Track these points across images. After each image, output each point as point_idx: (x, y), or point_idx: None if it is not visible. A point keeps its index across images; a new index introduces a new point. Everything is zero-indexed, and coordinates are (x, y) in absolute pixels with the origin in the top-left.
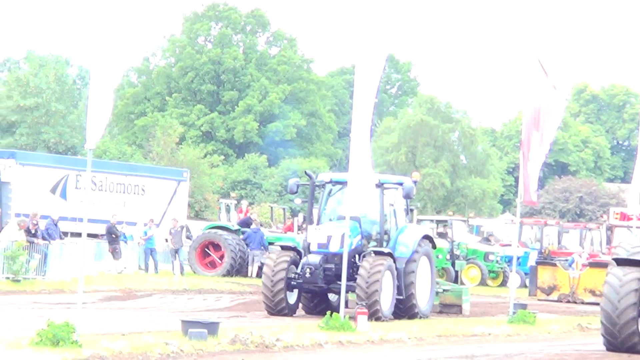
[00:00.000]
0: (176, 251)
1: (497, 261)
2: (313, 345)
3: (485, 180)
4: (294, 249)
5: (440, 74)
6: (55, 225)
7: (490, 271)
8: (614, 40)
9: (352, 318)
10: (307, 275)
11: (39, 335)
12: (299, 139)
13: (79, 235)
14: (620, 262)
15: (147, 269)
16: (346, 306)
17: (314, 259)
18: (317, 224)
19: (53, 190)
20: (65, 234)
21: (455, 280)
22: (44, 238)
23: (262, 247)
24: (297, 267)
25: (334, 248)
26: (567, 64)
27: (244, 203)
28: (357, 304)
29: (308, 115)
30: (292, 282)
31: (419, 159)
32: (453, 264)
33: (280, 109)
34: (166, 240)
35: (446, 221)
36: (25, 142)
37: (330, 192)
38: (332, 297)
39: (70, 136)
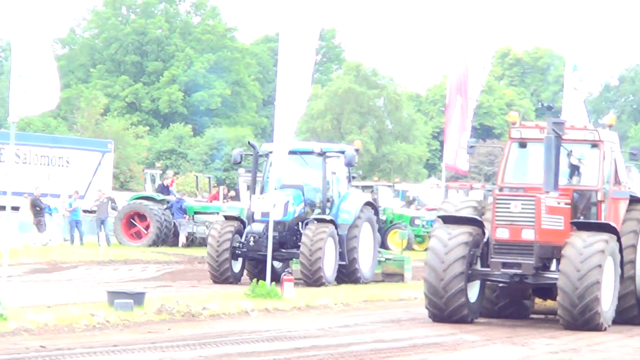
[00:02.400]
0: (102, 222)
1: (423, 225)
2: (239, 313)
3: (411, 145)
4: (237, 218)
5: (364, 40)
6: None
7: (416, 236)
8: (536, 3)
9: (279, 285)
10: (251, 243)
11: None
12: (224, 108)
13: (2, 208)
14: (447, 219)
15: (72, 241)
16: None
17: (258, 227)
18: (261, 193)
19: None
20: None
21: (382, 246)
22: None
23: (185, 216)
24: (241, 237)
25: (277, 216)
26: (489, 29)
27: (170, 173)
28: (285, 271)
29: (233, 84)
30: (237, 251)
31: (345, 126)
32: (379, 230)
33: (205, 79)
34: (91, 211)
35: (372, 187)
36: None
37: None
38: (277, 264)
39: None
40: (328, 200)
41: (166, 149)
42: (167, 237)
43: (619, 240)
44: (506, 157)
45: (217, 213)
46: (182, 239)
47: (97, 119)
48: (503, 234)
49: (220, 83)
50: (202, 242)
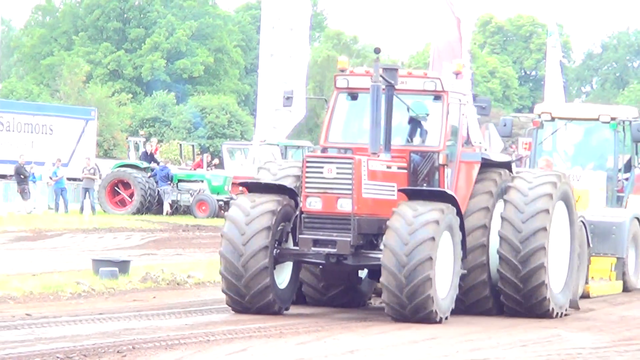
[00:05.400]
0: (87, 190)
1: None
2: None
3: None
4: None
5: (346, 7)
6: None
7: None
8: None
9: None
10: None
11: None
12: (206, 76)
13: None
14: (252, 188)
15: (57, 209)
16: None
17: None
18: None
19: None
20: None
21: None
22: None
23: (170, 183)
24: None
25: None
26: None
27: (154, 141)
28: None
29: (215, 51)
30: None
31: (327, 94)
32: None
33: (187, 46)
34: (81, 180)
35: None
36: None
37: None
38: None
39: None
40: None
41: (149, 117)
42: (152, 205)
43: (459, 213)
44: (331, 111)
45: (201, 181)
46: (166, 206)
47: (80, 87)
48: (315, 204)
49: (202, 50)
50: (186, 210)
